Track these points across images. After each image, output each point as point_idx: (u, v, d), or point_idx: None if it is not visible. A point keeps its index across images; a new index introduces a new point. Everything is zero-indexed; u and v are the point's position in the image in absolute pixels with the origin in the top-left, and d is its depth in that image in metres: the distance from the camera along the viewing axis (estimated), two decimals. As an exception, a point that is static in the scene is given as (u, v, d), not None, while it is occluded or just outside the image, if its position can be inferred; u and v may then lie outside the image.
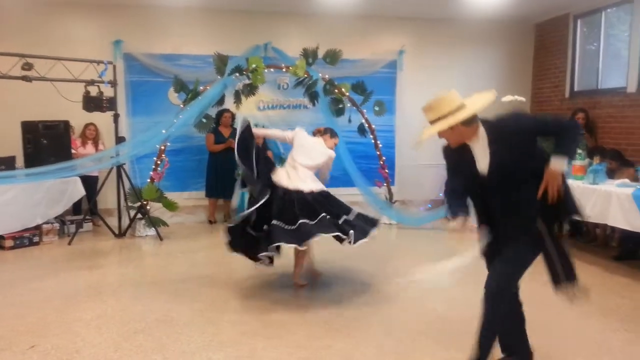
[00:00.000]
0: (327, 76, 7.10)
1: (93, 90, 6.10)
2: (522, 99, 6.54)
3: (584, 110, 6.94)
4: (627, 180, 5.18)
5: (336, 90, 7.11)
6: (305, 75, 6.95)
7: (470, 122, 2.68)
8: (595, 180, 5.25)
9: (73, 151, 6.55)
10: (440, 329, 3.58)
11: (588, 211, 5.13)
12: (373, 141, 7.45)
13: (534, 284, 4.63)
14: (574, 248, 5.86)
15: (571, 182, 5.43)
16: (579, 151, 5.81)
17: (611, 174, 5.64)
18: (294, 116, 7.90)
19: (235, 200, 7.26)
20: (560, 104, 8.06)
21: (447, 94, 2.69)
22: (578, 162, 5.62)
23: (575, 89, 7.88)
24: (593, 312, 3.92)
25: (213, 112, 7.06)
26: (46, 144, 6.16)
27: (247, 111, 7.01)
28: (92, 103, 6.06)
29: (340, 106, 7.16)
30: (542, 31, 8.54)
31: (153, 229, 6.31)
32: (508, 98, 6.42)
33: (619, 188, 4.89)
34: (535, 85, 8.73)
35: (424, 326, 3.61)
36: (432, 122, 2.72)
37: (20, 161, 6.18)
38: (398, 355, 3.17)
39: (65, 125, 6.43)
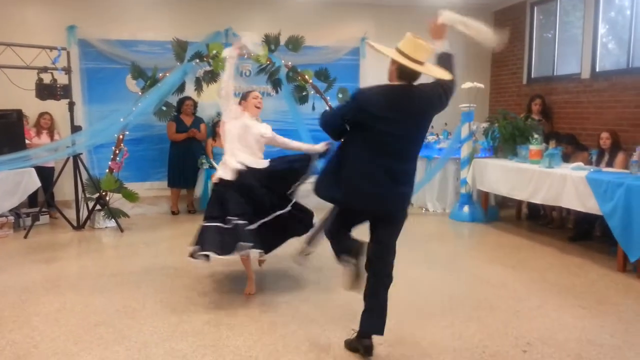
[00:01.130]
0: (290, 63, 7.05)
1: (46, 78, 5.87)
2: (481, 85, 6.67)
3: (541, 97, 7.14)
4: (581, 164, 5.37)
5: (299, 78, 7.06)
6: (268, 62, 6.87)
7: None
8: (550, 164, 5.42)
9: (27, 141, 6.30)
10: (399, 308, 3.63)
11: (543, 194, 5.32)
12: (337, 128, 7.45)
13: (494, 265, 4.79)
14: (532, 231, 6.10)
15: (528, 166, 5.65)
16: (535, 136, 6.00)
17: (566, 158, 5.85)
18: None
19: (198, 190, 7.18)
20: (518, 90, 8.27)
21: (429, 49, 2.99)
22: (535, 147, 5.79)
23: (532, 75, 8.09)
24: (550, 290, 4.08)
25: (174, 100, 6.92)
26: (-3, 134, 5.91)
27: (209, 99, 6.92)
28: (46, 91, 5.84)
29: (304, 93, 7.13)
30: (501, 18, 8.70)
31: (113, 220, 6.16)
32: (467, 85, 6.54)
33: (573, 171, 5.07)
34: (494, 72, 8.91)
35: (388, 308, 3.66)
36: (407, 56, 2.89)
37: (-30, 152, 5.91)
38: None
39: (18, 115, 6.16)
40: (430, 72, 2.88)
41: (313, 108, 7.18)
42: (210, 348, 3.09)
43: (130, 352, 3.05)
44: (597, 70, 6.75)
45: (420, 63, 2.85)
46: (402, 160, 2.83)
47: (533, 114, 6.96)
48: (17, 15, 6.84)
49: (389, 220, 2.92)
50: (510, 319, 3.51)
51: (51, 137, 6.69)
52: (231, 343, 3.16)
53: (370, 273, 2.96)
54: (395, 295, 3.91)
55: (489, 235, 5.95)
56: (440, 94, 2.88)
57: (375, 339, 3.00)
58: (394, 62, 2.90)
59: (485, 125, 6.85)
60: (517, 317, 3.53)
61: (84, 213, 6.24)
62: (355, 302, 3.80)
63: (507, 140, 6.36)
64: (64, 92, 5.98)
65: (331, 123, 2.99)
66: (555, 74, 7.58)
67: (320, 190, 2.97)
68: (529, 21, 8.06)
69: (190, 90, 6.87)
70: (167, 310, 3.67)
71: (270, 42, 6.85)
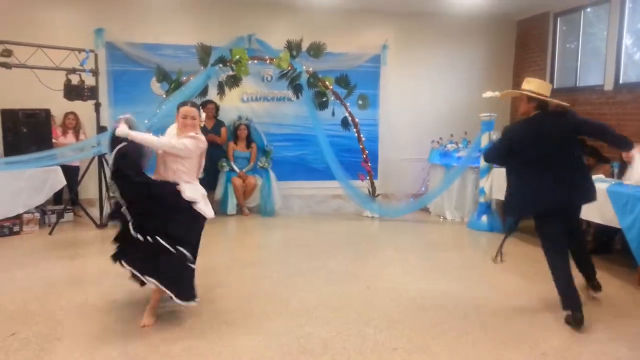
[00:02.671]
0: (311, 69, 7.14)
1: (74, 79, 6.05)
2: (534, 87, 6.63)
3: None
4: (602, 176, 5.33)
5: (320, 84, 7.14)
6: (289, 68, 6.97)
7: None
8: (571, 175, 5.37)
9: (54, 140, 6.49)
10: (415, 316, 3.66)
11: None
12: (356, 135, 7.51)
13: (510, 275, 4.77)
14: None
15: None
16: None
17: (589, 170, 5.78)
18: (277, 109, 7.95)
19: (219, 192, 7.29)
20: (540, 101, 8.20)
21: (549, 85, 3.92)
22: (555, 158, 5.74)
23: (555, 86, 8.03)
24: (566, 302, 4.04)
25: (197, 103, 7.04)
26: (26, 132, 6.11)
27: (230, 103, 7.00)
28: (74, 92, 6.02)
29: (324, 99, 7.21)
30: (523, 28, 8.68)
31: (135, 219, 6.28)
32: (488, 94, 6.52)
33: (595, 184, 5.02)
34: (516, 81, 8.86)
35: (401, 315, 3.70)
36: (538, 94, 3.75)
37: (-1, 150, 6.11)
38: (377, 343, 3.24)
39: (46, 114, 6.37)
40: (555, 101, 3.80)
41: (333, 114, 7.25)
42: (228, 347, 3.15)
43: (150, 347, 3.13)
44: (621, 82, 6.69)
45: (546, 96, 3.76)
46: (560, 168, 3.64)
47: (554, 125, 6.91)
48: (47, 18, 7.06)
49: (571, 213, 3.87)
50: (525, 329, 3.50)
51: (77, 136, 6.88)
52: (247, 344, 3.22)
53: (576, 250, 4.00)
54: (410, 302, 3.96)
55: (507, 246, 5.88)
56: (564, 113, 3.82)
57: (390, 344, 3.03)
58: (531, 99, 3.76)
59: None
60: (532, 328, 3.52)
61: (107, 212, 6.38)
62: (369, 307, 3.84)
63: (527, 151, 6.32)
64: (91, 93, 6.15)
65: (496, 158, 4.15)
66: (577, 84, 7.52)
67: (515, 212, 4.23)
68: (552, 31, 8.02)
69: (212, 94, 7.00)
70: (185, 310, 3.75)
71: (292, 48, 6.96)
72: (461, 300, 4.04)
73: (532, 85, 3.81)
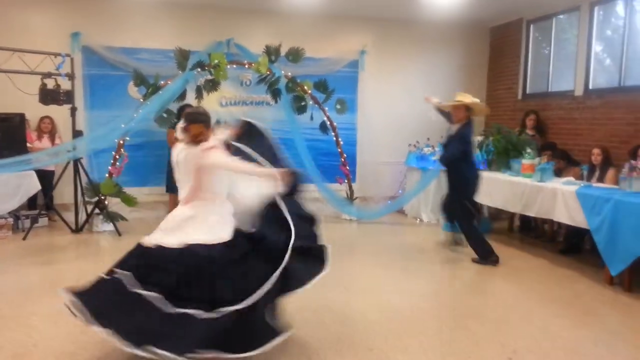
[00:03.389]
0: (289, 74, 7.18)
1: (50, 83, 5.99)
2: (477, 100, 6.77)
3: (535, 112, 7.28)
4: (572, 179, 5.49)
5: (298, 88, 7.20)
6: (268, 73, 7.01)
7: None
8: (542, 178, 5.54)
9: (29, 145, 6.40)
10: (392, 317, 3.72)
11: (535, 207, 5.43)
12: (335, 139, 7.58)
13: (484, 275, 4.89)
14: (524, 242, 6.19)
15: (520, 180, 5.75)
16: (528, 150, 6.11)
17: (559, 173, 5.96)
18: (256, 113, 7.96)
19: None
20: (513, 106, 8.41)
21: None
22: (527, 161, 5.91)
23: (527, 91, 8.24)
24: (537, 300, 4.17)
25: (175, 107, 7.03)
26: (0, 137, 6.00)
27: (209, 107, 6.99)
28: (49, 96, 5.95)
29: (303, 104, 7.26)
30: (497, 35, 8.87)
31: (111, 224, 6.24)
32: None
33: (564, 186, 5.18)
34: (491, 87, 9.06)
35: (378, 316, 3.76)
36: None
37: (-28, 154, 6.00)
38: (353, 344, 3.29)
39: (21, 118, 6.27)
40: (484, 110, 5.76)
41: (311, 118, 7.31)
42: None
43: (127, 352, 3.12)
44: (591, 87, 6.90)
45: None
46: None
47: (527, 129, 7.10)
48: (23, 22, 6.97)
49: None
50: (498, 327, 3.60)
51: (52, 141, 6.79)
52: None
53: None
54: (386, 303, 4.02)
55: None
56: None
57: (366, 344, 3.08)
58: (468, 108, 5.20)
59: (479, 138, 6.97)
60: (504, 326, 3.62)
61: (82, 216, 6.33)
62: (347, 309, 3.90)
63: (500, 154, 6.48)
64: (67, 97, 6.09)
65: (457, 159, 5.10)
66: (549, 90, 7.73)
67: (471, 195, 5.27)
68: (525, 38, 8.22)
69: (191, 98, 6.99)
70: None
71: (271, 53, 7.00)
72: (436, 301, 4.13)
73: (469, 98, 5.22)
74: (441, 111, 5.59)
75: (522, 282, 4.66)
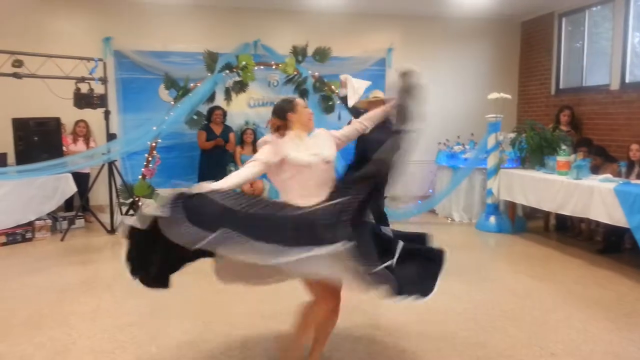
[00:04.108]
0: (316, 74, 7.18)
1: (84, 88, 6.13)
2: (508, 96, 6.66)
3: (570, 108, 7.09)
4: (609, 176, 5.32)
5: (326, 88, 7.19)
6: (295, 73, 7.02)
7: None
8: (578, 175, 5.39)
9: (64, 148, 6.57)
10: (424, 319, 3.67)
11: (571, 206, 5.29)
12: (363, 138, 7.52)
13: (520, 276, 4.78)
14: (560, 242, 6.04)
15: (556, 177, 5.61)
16: (563, 147, 5.96)
17: (595, 170, 5.79)
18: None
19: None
20: (547, 101, 8.21)
21: None
22: (562, 158, 5.76)
23: (561, 86, 8.03)
24: (576, 302, 4.05)
25: (205, 109, 7.12)
26: (37, 140, 6.19)
27: (237, 108, 7.01)
28: (83, 100, 6.10)
29: (330, 103, 7.25)
30: (528, 29, 8.68)
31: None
32: (494, 95, 6.55)
33: (601, 183, 5.03)
34: (522, 82, 8.87)
35: (409, 317, 3.71)
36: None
37: (11, 158, 6.19)
38: (386, 346, 3.26)
39: (57, 122, 6.45)
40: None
41: (339, 118, 7.28)
42: (238, 350, 3.19)
43: (161, 350, 3.17)
44: (627, 81, 6.68)
45: None
46: None
47: (561, 125, 6.92)
48: (57, 28, 7.16)
49: None
50: (535, 329, 3.51)
51: (87, 144, 6.96)
52: (259, 344, 3.25)
53: None
54: (419, 305, 3.96)
55: (516, 246, 5.92)
56: None
57: (399, 347, 3.04)
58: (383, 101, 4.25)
59: (512, 135, 6.84)
60: (542, 328, 3.53)
61: (117, 217, 6.46)
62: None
63: (534, 151, 6.33)
64: (100, 101, 6.22)
65: None
66: (584, 84, 7.52)
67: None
68: (557, 32, 8.01)
69: (220, 100, 7.07)
70: (196, 311, 3.80)
71: (298, 53, 7.01)
72: (471, 302, 4.05)
73: (383, 94, 5.10)
74: (355, 108, 5.20)
75: (559, 283, 4.54)
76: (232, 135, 7.42)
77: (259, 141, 2.84)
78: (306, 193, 2.68)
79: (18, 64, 5.63)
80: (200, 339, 3.33)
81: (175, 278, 4.33)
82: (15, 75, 5.63)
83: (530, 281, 4.61)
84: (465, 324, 3.60)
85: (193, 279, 4.47)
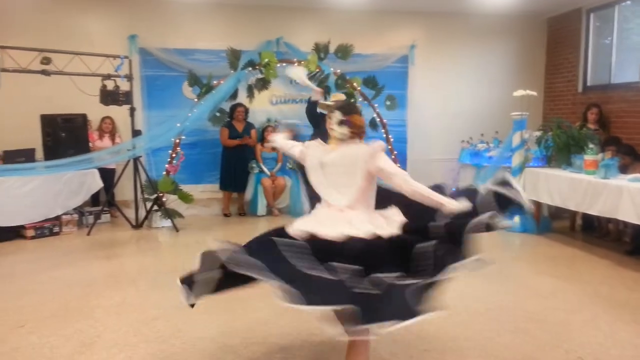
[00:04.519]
0: (338, 71, 7.17)
1: (110, 85, 6.23)
2: (534, 93, 6.54)
3: (597, 105, 6.93)
4: (638, 175, 5.18)
5: (348, 85, 7.17)
6: (317, 70, 7.02)
7: None
8: (606, 174, 5.26)
9: (90, 144, 6.70)
10: (446, 318, 3.64)
11: (599, 206, 5.16)
12: (385, 135, 7.50)
13: (544, 276, 4.70)
14: (587, 242, 5.92)
15: (583, 177, 5.48)
16: (591, 146, 5.82)
17: (624, 169, 5.64)
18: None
19: (249, 193, 7.39)
20: (573, 99, 8.05)
21: None
22: (590, 157, 5.63)
23: (588, 83, 7.86)
24: (603, 304, 3.97)
25: (227, 106, 7.17)
26: (65, 136, 6.32)
27: (260, 106, 7.00)
28: (109, 97, 6.20)
29: (352, 100, 7.22)
30: (555, 25, 8.51)
31: (169, 220, 6.44)
32: (520, 93, 6.44)
33: (630, 183, 4.90)
34: (548, 79, 8.71)
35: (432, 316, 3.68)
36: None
37: (39, 153, 6.34)
38: (408, 345, 3.24)
39: (83, 119, 6.58)
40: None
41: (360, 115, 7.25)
42: (260, 345, 3.21)
43: (186, 345, 3.21)
44: (659, 78, 6.50)
45: None
46: None
47: (589, 123, 6.77)
48: (83, 26, 7.28)
49: None
50: (561, 331, 3.45)
51: (112, 140, 7.07)
52: (279, 341, 3.26)
53: None
54: (441, 304, 3.93)
55: (541, 246, 5.83)
56: None
57: (421, 346, 3.03)
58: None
59: (538, 133, 6.72)
60: (568, 331, 3.47)
61: (142, 213, 6.56)
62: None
63: (561, 150, 6.21)
64: (126, 98, 6.32)
65: None
66: (612, 81, 7.34)
67: None
68: (585, 28, 7.84)
69: (242, 97, 7.10)
70: (219, 307, 3.82)
71: (320, 50, 7.00)
72: (494, 302, 4.00)
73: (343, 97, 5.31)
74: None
75: (585, 284, 4.45)
76: (253, 132, 7.45)
77: (378, 146, 2.68)
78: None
79: (46, 61, 5.74)
80: (223, 334, 3.36)
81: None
82: (44, 72, 5.74)
83: (555, 282, 4.53)
84: (489, 325, 3.55)
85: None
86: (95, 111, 6.81)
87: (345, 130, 2.73)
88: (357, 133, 2.79)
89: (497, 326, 3.54)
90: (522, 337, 3.36)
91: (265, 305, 3.83)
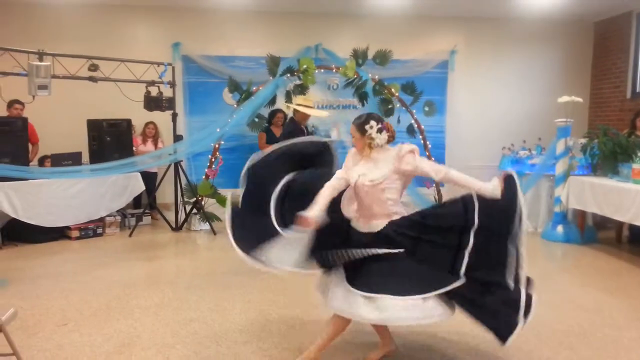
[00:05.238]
0: (376, 77, 7.14)
1: (153, 91, 6.41)
2: (579, 99, 6.33)
3: (647, 112, 6.64)
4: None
5: (386, 91, 7.13)
6: (355, 76, 7.01)
7: None
8: (657, 184, 5.03)
9: (134, 148, 6.90)
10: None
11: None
12: (422, 142, 7.41)
13: (589, 289, 4.52)
14: (634, 255, 5.66)
15: (631, 186, 5.26)
16: (639, 154, 5.59)
17: (676, 179, 5.38)
18: (343, 116, 8.00)
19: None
20: (621, 105, 7.75)
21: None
22: (639, 166, 5.40)
23: (638, 89, 7.55)
24: (652, 320, 3.79)
25: (266, 112, 7.25)
26: (110, 141, 6.53)
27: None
28: (153, 103, 6.37)
29: (390, 106, 7.18)
30: (602, 30, 8.23)
31: (207, 223, 6.55)
32: (564, 99, 6.25)
33: (683, 193, 4.67)
34: (595, 85, 8.42)
35: (472, 326, 3.60)
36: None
37: (85, 157, 6.57)
38: (444, 355, 3.17)
39: (128, 124, 6.78)
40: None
41: (398, 121, 7.20)
42: (294, 351, 3.21)
43: (221, 348, 3.25)
44: None
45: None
46: None
47: (637, 131, 6.49)
48: (129, 34, 7.54)
49: None
50: (606, 348, 3.31)
51: (155, 144, 7.27)
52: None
53: None
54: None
55: (585, 258, 5.61)
56: None
57: (460, 356, 2.95)
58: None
59: (583, 141, 6.49)
60: (614, 348, 3.32)
61: (181, 216, 6.70)
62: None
63: (607, 158, 5.98)
64: (169, 104, 6.49)
65: None
66: (664, 87, 7.04)
67: None
68: (635, 32, 7.54)
69: (281, 103, 7.17)
70: (255, 311, 3.86)
71: (358, 56, 7.00)
72: (536, 315, 3.85)
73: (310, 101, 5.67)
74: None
75: (633, 299, 4.25)
76: (291, 138, 7.49)
77: (409, 148, 2.84)
78: None
79: (94, 68, 5.96)
80: (258, 338, 3.38)
81: (236, 279, 4.45)
82: (91, 78, 5.96)
83: (601, 295, 4.34)
84: (528, 340, 3.44)
85: (252, 280, 4.59)
86: (139, 116, 7.02)
87: (385, 135, 2.87)
88: (393, 136, 2.95)
89: (537, 341, 3.42)
90: (565, 352, 3.24)
91: (301, 312, 3.84)
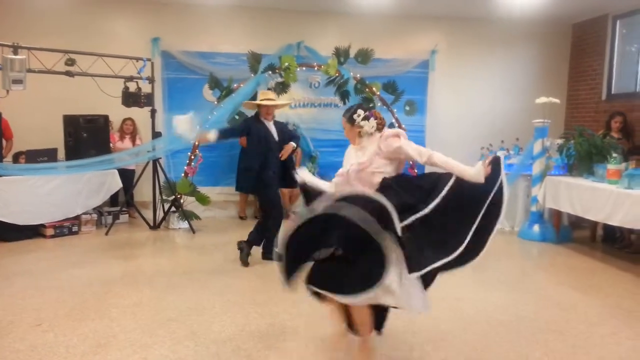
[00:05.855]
0: (358, 75, 7.15)
1: (132, 86, 6.30)
2: (557, 100, 6.43)
3: (622, 114, 6.79)
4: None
5: (367, 90, 7.14)
6: (337, 74, 7.02)
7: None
8: (630, 185, 5.14)
9: (111, 145, 6.79)
10: (466, 328, 3.59)
11: (621, 216, 5.04)
12: (403, 141, 7.44)
13: (564, 287, 4.60)
14: (608, 254, 5.78)
15: (605, 186, 5.37)
16: (614, 155, 5.70)
17: (649, 180, 5.51)
18: (324, 115, 7.99)
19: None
20: (597, 107, 7.90)
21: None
22: (613, 166, 5.51)
23: (613, 91, 7.71)
24: (625, 317, 3.87)
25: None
26: (86, 137, 6.41)
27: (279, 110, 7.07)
28: (131, 98, 6.27)
29: (371, 105, 7.19)
30: (580, 32, 8.37)
31: (186, 221, 6.49)
32: (542, 100, 6.35)
33: (655, 193, 4.78)
34: (571, 87, 8.57)
35: (451, 326, 3.63)
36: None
37: (61, 153, 6.44)
38: (427, 354, 3.19)
39: (105, 120, 6.67)
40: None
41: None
42: (275, 351, 3.20)
43: (199, 348, 3.22)
44: (686, 87, 6.35)
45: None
46: None
47: (612, 132, 6.63)
48: (107, 29, 7.39)
49: None
50: (580, 344, 3.37)
51: (133, 141, 7.16)
52: (292, 346, 3.25)
53: None
54: (460, 313, 3.88)
55: (560, 256, 5.72)
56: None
57: (439, 355, 2.98)
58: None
59: (559, 141, 6.61)
60: (587, 343, 3.39)
61: (160, 214, 6.62)
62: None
63: (583, 158, 6.10)
64: (147, 100, 6.39)
65: None
66: (638, 90, 7.19)
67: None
68: (611, 35, 7.70)
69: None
70: (234, 310, 3.83)
71: (340, 54, 7.00)
72: (513, 313, 3.93)
73: (274, 95, 5.62)
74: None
75: (606, 297, 4.34)
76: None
77: (393, 132, 2.93)
78: None
79: (70, 62, 5.84)
80: (237, 338, 3.36)
81: (216, 278, 4.42)
82: (68, 73, 5.84)
83: (575, 293, 4.43)
84: (508, 336, 3.49)
85: (231, 279, 4.56)
86: (116, 112, 6.90)
87: (373, 122, 2.94)
88: (382, 124, 3.01)
89: (516, 336, 3.47)
90: (541, 348, 3.30)
91: (281, 311, 3.83)
